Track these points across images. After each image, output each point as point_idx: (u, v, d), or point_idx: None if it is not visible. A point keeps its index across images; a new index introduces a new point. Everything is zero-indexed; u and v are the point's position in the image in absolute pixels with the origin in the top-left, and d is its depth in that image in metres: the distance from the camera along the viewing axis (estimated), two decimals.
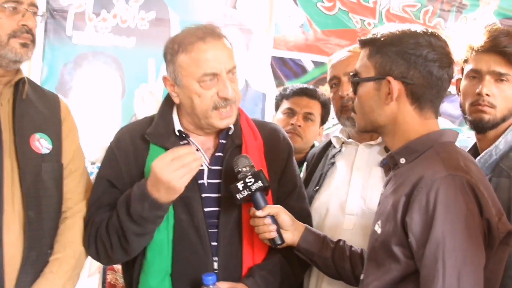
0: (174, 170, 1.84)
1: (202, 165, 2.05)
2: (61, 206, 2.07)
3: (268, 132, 2.21)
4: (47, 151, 2.02)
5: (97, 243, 2.04)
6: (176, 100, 2.08)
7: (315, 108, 3.11)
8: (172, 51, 2.03)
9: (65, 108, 2.15)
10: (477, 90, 2.08)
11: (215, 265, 2.02)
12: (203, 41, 1.99)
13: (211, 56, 1.98)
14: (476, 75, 2.11)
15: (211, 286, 1.88)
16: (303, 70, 4.49)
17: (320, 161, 2.45)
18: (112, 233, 1.99)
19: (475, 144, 2.21)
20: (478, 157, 2.06)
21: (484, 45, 2.08)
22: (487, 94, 2.07)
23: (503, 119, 2.09)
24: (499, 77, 2.07)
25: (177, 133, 2.09)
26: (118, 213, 1.96)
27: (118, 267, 3.04)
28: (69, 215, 2.08)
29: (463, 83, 2.17)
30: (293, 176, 2.21)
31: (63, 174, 2.07)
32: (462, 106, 2.18)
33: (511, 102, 2.08)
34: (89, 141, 3.43)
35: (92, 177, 2.23)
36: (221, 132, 2.12)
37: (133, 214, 1.91)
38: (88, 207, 2.11)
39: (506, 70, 2.06)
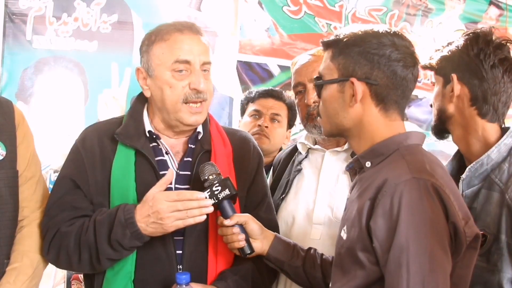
0: (173, 210, 1.82)
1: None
2: (17, 214, 2.02)
3: (238, 140, 2.19)
4: (1, 157, 1.98)
5: (60, 252, 1.97)
6: (147, 93, 2.06)
7: (282, 110, 3.13)
8: (149, 41, 2.04)
9: (19, 114, 2.11)
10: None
11: None
12: (180, 32, 2.01)
13: (186, 46, 1.99)
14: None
15: (184, 286, 1.84)
16: (270, 75, 4.50)
17: (286, 167, 2.43)
18: (83, 249, 1.94)
19: (458, 150, 2.15)
20: (469, 166, 1.98)
21: None
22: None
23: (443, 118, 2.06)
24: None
25: (147, 134, 2.06)
26: (96, 232, 1.91)
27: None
28: (26, 224, 2.04)
29: None
30: (262, 186, 2.20)
31: (19, 182, 2.02)
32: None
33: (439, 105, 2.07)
34: (51, 149, 3.36)
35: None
36: (191, 137, 2.09)
37: (112, 239, 1.88)
38: (48, 206, 2.05)
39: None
